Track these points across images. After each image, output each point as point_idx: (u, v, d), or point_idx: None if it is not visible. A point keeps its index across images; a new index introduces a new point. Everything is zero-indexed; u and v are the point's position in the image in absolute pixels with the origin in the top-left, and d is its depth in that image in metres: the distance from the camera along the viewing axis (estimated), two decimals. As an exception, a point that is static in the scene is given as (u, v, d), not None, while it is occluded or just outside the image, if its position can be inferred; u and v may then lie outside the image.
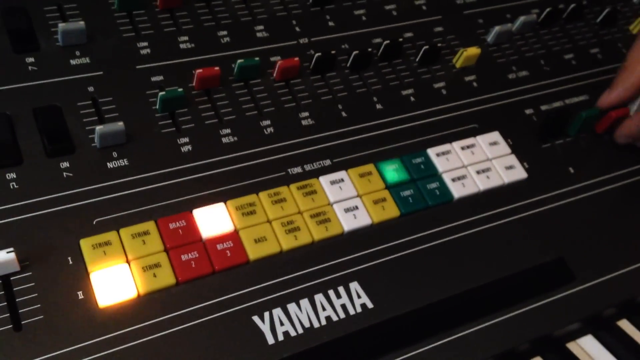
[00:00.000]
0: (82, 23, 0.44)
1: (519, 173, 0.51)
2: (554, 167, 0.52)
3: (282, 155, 0.46)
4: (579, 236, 0.50)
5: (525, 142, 0.53)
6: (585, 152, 0.54)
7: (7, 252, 0.35)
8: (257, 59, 0.48)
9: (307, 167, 0.46)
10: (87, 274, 0.38)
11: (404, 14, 0.56)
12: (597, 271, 0.48)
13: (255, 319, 0.39)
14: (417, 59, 0.54)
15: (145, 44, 0.47)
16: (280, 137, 0.47)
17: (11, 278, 0.36)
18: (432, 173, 0.49)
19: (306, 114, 0.49)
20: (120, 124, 0.41)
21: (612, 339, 0.47)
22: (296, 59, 0.49)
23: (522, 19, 0.57)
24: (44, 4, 0.46)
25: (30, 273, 0.37)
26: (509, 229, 0.48)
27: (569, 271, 0.48)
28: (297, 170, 0.46)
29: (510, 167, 0.51)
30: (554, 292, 0.46)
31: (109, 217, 0.40)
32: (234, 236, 0.42)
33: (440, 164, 0.49)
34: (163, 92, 0.44)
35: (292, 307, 0.41)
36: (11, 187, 0.39)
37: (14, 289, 0.36)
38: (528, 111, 0.55)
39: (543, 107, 0.55)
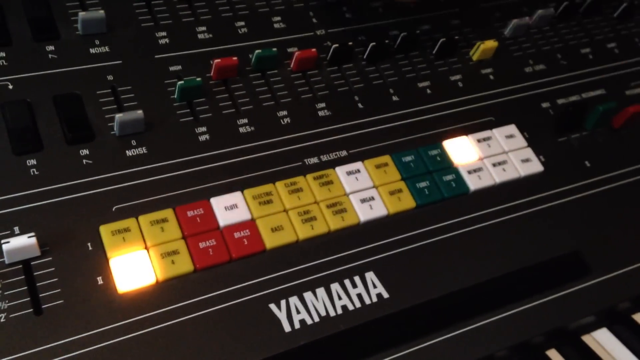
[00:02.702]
0: (102, 12, 0.44)
1: (535, 166, 0.51)
2: (570, 161, 0.52)
3: (299, 146, 0.46)
4: (594, 230, 0.49)
5: (542, 135, 0.53)
6: (601, 146, 0.54)
7: (28, 237, 0.36)
8: (274, 49, 0.48)
9: (324, 158, 0.46)
10: (107, 260, 0.38)
11: (421, 6, 0.56)
12: (612, 265, 0.48)
13: (272, 306, 0.40)
14: (433, 52, 0.54)
15: (164, 33, 0.47)
16: (297, 128, 0.47)
17: (32, 263, 0.37)
18: (448, 165, 0.49)
19: (323, 104, 0.49)
20: (140, 112, 0.42)
21: (626, 332, 0.47)
22: (313, 50, 0.49)
23: (539, 12, 0.57)
24: (64, -7, 0.46)
25: (51, 258, 0.37)
26: (524, 222, 0.48)
27: (584, 264, 0.48)
28: (314, 160, 0.46)
29: (526, 160, 0.51)
30: (569, 285, 0.46)
31: (128, 204, 0.40)
32: (251, 225, 0.42)
33: (456, 156, 0.49)
34: (181, 82, 0.44)
35: (308, 295, 0.41)
36: (32, 173, 0.39)
37: (35, 273, 0.37)
38: (545, 104, 0.54)
39: (560, 101, 0.55)
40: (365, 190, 0.46)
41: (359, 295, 0.42)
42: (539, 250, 0.47)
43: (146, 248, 0.39)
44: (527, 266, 0.46)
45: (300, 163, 0.46)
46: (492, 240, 0.47)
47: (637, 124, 0.55)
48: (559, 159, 0.52)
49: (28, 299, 0.36)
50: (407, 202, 0.46)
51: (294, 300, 0.40)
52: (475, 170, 0.49)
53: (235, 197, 0.43)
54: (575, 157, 0.53)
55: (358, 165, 0.47)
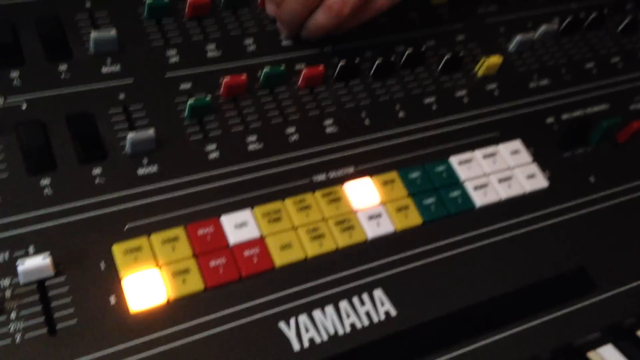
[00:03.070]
0: (113, 31, 0.45)
1: (540, 182, 0.51)
2: (575, 176, 0.53)
3: (307, 163, 0.47)
4: (599, 246, 0.50)
5: (547, 150, 0.53)
6: (606, 161, 0.54)
7: (43, 258, 0.36)
8: (282, 67, 0.48)
9: (332, 174, 0.47)
10: (119, 279, 0.39)
11: (426, 21, 0.57)
12: (617, 281, 0.49)
13: (282, 325, 0.40)
14: (439, 67, 0.54)
15: (174, 52, 0.47)
16: (305, 144, 0.48)
17: (46, 282, 0.37)
18: (454, 181, 0.49)
19: (330, 121, 0.49)
20: (151, 131, 0.42)
21: (632, 349, 0.48)
22: (321, 67, 0.49)
23: (543, 27, 0.58)
24: (76, 12, 0.46)
25: (64, 278, 0.38)
26: (530, 238, 0.49)
27: (589, 280, 0.48)
28: (322, 177, 0.47)
29: (531, 176, 0.51)
30: (574, 301, 0.47)
31: (139, 222, 0.41)
32: (261, 242, 0.43)
33: (462, 172, 0.50)
34: (192, 100, 0.45)
35: (317, 313, 0.41)
36: (45, 192, 0.40)
37: (49, 293, 0.37)
38: (549, 120, 0.55)
39: (564, 116, 0.56)
40: (372, 207, 0.47)
41: (367, 313, 0.42)
42: (544, 266, 0.48)
43: (158, 267, 0.40)
44: (532, 283, 0.47)
45: (308, 180, 0.46)
46: (498, 257, 0.47)
47: (641, 139, 0.56)
48: (563, 175, 0.52)
49: (43, 319, 0.36)
50: (413, 218, 0.47)
51: (303, 318, 0.41)
52: (481, 187, 0.50)
53: (245, 214, 0.43)
54: (580, 172, 0.53)
55: (365, 181, 0.47)
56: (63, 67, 0.44)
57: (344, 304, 0.42)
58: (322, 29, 0.48)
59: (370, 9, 0.49)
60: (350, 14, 0.47)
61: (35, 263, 0.36)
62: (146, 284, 0.39)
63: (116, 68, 0.45)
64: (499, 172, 0.51)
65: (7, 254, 0.37)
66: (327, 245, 0.44)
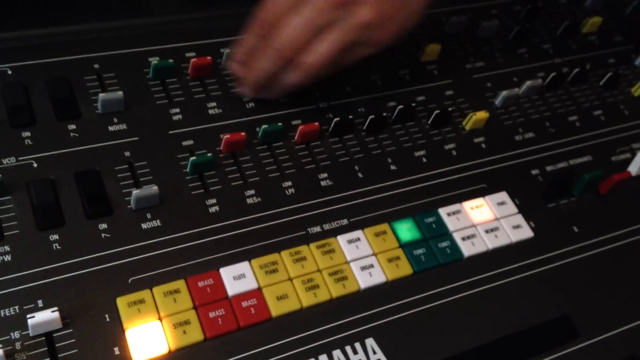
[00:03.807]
0: (120, 93, 0.48)
1: (526, 232, 0.53)
2: (559, 226, 0.55)
3: (303, 215, 0.49)
4: (583, 294, 0.52)
5: (532, 202, 0.56)
6: (589, 211, 0.57)
7: (52, 312, 0.38)
8: (280, 124, 0.51)
9: (326, 227, 0.49)
10: (123, 331, 0.41)
11: (416, 78, 0.60)
12: (600, 328, 0.51)
13: (278, 374, 0.42)
14: (429, 122, 0.57)
15: (178, 110, 0.50)
16: (301, 198, 0.50)
17: (54, 335, 0.39)
18: (443, 232, 0.52)
19: (325, 174, 0.52)
20: (155, 187, 0.45)
21: (615, 396, 0.49)
22: (316, 123, 0.52)
23: (528, 83, 0.61)
24: (85, 74, 0.49)
25: (71, 330, 0.40)
26: (516, 287, 0.51)
27: (573, 328, 0.50)
28: (317, 229, 0.49)
29: (517, 227, 0.54)
30: (559, 348, 0.49)
31: (143, 275, 0.43)
32: (258, 294, 0.45)
33: (451, 223, 0.52)
34: (194, 157, 0.47)
35: (311, 363, 0.43)
36: (54, 248, 0.42)
37: (57, 345, 0.39)
38: (534, 172, 0.58)
39: (548, 168, 0.58)
40: (365, 258, 0.49)
41: (360, 362, 0.44)
42: (529, 314, 0.50)
43: (159, 319, 0.42)
44: (518, 330, 0.49)
45: (304, 232, 0.49)
46: (485, 305, 0.49)
47: (623, 190, 0.58)
48: (548, 225, 0.55)
49: (51, 370, 0.38)
50: (404, 269, 0.49)
51: (298, 368, 0.43)
52: (469, 237, 0.52)
53: (243, 267, 0.46)
54: (564, 222, 0.55)
55: (358, 233, 0.50)
56: (72, 127, 0.47)
57: (337, 353, 0.44)
58: (292, 87, 0.50)
59: (344, 61, 0.49)
60: (321, 72, 0.48)
61: (44, 317, 0.38)
62: (148, 335, 0.41)
63: (122, 127, 0.48)
64: (485, 223, 0.53)
65: (17, 308, 0.40)
66: (322, 296, 0.46)
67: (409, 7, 0.49)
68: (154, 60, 0.51)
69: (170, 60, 0.51)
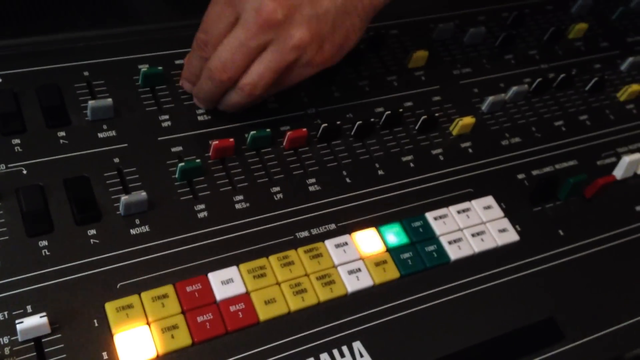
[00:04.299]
0: (109, 100, 0.48)
1: (511, 236, 0.54)
2: (545, 230, 0.56)
3: (291, 220, 0.50)
4: (568, 296, 0.53)
5: (518, 205, 0.56)
6: (574, 215, 0.57)
7: (40, 317, 0.39)
8: (268, 130, 0.52)
9: (314, 231, 0.50)
10: (112, 336, 0.41)
11: (404, 84, 0.60)
12: (585, 330, 0.51)
13: (265, 377, 0.43)
14: (416, 127, 0.58)
15: (167, 116, 0.51)
16: (289, 203, 0.51)
17: (42, 340, 0.40)
18: (430, 236, 0.52)
19: (313, 180, 0.52)
20: (143, 193, 0.45)
21: (599, 397, 0.50)
22: (304, 129, 0.53)
23: (514, 89, 0.61)
24: (75, 82, 0.50)
25: (60, 335, 0.40)
26: (501, 290, 0.51)
27: (558, 330, 0.51)
28: (305, 234, 0.50)
29: (503, 230, 0.54)
30: (544, 350, 0.49)
31: (131, 281, 0.43)
32: (246, 298, 0.45)
33: (437, 227, 0.53)
34: (182, 164, 0.48)
35: (299, 366, 0.44)
36: (43, 254, 0.43)
37: (45, 350, 0.39)
38: (520, 176, 0.58)
39: (534, 172, 0.59)
40: (352, 262, 0.49)
41: (346, 365, 0.45)
42: (515, 316, 0.50)
43: (148, 324, 0.42)
44: (504, 333, 0.49)
45: (292, 237, 0.49)
46: (471, 308, 0.50)
47: (608, 194, 0.59)
48: (534, 229, 0.55)
49: (39, 375, 0.39)
50: (391, 272, 0.50)
51: (285, 371, 0.43)
52: (455, 241, 0.53)
53: (231, 271, 0.46)
54: (550, 226, 0.56)
55: (346, 238, 0.50)
56: (62, 134, 0.47)
57: (324, 357, 0.45)
58: (237, 107, 0.50)
59: (286, 81, 0.49)
60: (262, 93, 0.48)
61: (33, 322, 0.38)
62: (137, 340, 0.41)
63: (112, 133, 0.49)
64: (472, 227, 0.54)
65: (6, 313, 0.40)
66: (309, 300, 0.47)
67: (345, 26, 0.48)
68: (144, 68, 0.52)
69: (160, 68, 0.52)
